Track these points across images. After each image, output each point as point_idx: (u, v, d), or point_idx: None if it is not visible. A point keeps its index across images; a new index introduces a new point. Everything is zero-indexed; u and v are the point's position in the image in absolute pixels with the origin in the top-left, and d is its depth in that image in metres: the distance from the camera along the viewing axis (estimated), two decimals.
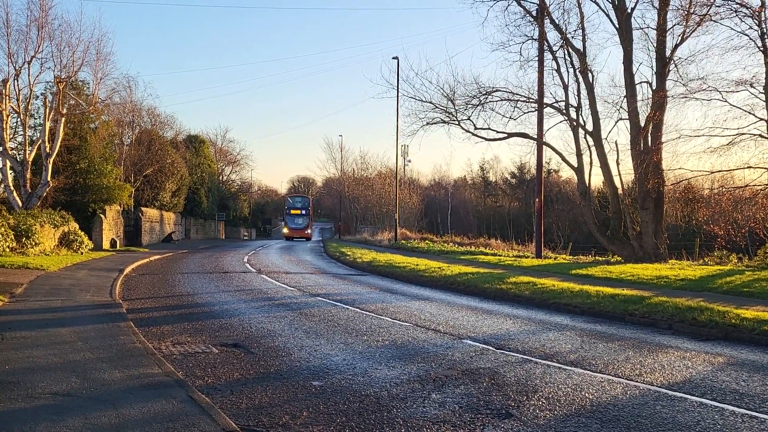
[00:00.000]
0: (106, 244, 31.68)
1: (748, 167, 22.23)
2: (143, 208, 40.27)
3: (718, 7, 21.80)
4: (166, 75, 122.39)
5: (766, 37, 21.15)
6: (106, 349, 7.94)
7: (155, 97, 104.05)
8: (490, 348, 8.82)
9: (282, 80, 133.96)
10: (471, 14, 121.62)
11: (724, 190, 24.48)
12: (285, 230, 67.42)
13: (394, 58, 36.53)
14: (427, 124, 27.48)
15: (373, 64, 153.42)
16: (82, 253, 25.52)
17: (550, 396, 6.31)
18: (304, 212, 67.50)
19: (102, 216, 32.06)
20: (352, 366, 7.49)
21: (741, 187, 23.49)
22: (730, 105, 22.17)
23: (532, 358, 8.16)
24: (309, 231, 67.29)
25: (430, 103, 27.77)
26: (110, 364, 7.06)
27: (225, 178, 78.34)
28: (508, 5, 27.57)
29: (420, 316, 12.01)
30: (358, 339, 9.34)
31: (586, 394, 6.40)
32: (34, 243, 22.41)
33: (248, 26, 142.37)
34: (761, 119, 21.57)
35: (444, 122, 28.30)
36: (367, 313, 12.20)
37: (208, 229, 65.64)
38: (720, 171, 23.23)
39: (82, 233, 27.08)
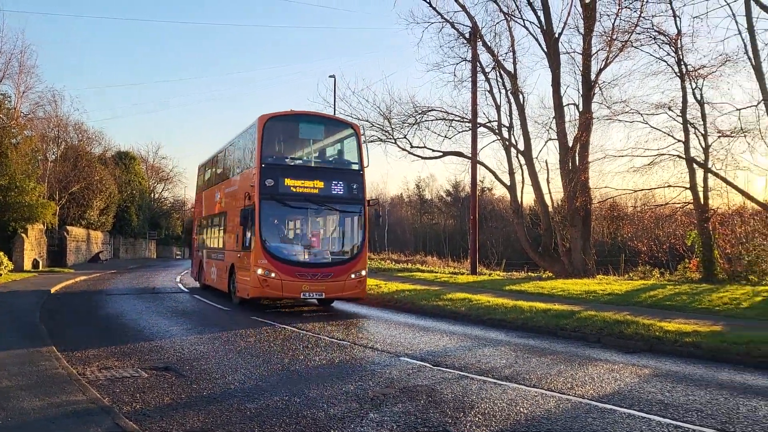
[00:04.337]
0: (28, 265, 30.12)
1: (668, 186, 23.37)
2: (69, 227, 38.56)
3: (639, 34, 23.00)
4: (96, 90, 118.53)
5: (682, 63, 22.40)
6: (26, 375, 7.52)
7: (83, 112, 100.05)
8: (427, 365, 8.86)
9: (216, 97, 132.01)
10: (407, 34, 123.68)
11: (646, 207, 25.62)
12: None
13: (330, 76, 36.37)
14: (364, 142, 27.63)
15: (309, 82, 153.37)
16: (0, 275, 24.18)
17: (486, 412, 6.39)
18: None
19: (23, 235, 30.47)
20: (289, 386, 7.37)
21: (661, 204, 24.65)
22: (651, 127, 23.35)
23: (469, 374, 8.24)
24: None
25: (367, 121, 27.98)
26: (30, 392, 6.68)
27: (157, 195, 76.07)
28: (442, 27, 28.29)
29: (357, 334, 11.96)
30: (295, 358, 9.20)
31: (521, 409, 6.51)
32: None
33: (184, 43, 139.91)
34: (679, 140, 22.77)
35: (381, 140, 28.60)
36: (304, 332, 12.06)
37: (139, 248, 63.42)
38: (642, 189, 24.34)
39: (1, 254, 25.65)
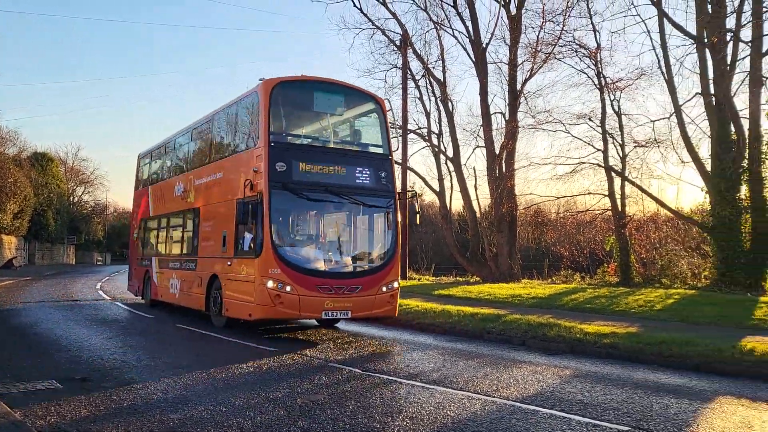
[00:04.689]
0: None
1: (588, 193, 24.40)
2: None
3: (561, 46, 23.95)
4: (8, 87, 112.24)
5: (601, 75, 23.45)
6: None
7: None
8: (356, 370, 8.86)
9: (138, 97, 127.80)
10: (339, 40, 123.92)
11: (568, 214, 26.66)
12: None
13: (261, 79, 36.10)
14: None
15: (239, 83, 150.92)
16: None
17: (414, 416, 6.45)
18: None
19: None
20: (214, 395, 7.20)
21: (582, 211, 25.71)
22: (573, 136, 24.37)
23: (397, 379, 8.30)
24: None
25: None
26: None
27: (76, 199, 72.97)
28: (374, 34, 28.50)
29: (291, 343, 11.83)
30: (221, 367, 9.01)
31: (448, 412, 6.61)
32: None
33: (101, 41, 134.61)
34: (599, 150, 23.83)
35: None
36: (231, 340, 11.84)
37: (57, 254, 60.53)
38: (565, 196, 25.36)
39: None
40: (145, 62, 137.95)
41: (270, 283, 11.49)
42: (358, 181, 12.66)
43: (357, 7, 27.39)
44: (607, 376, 8.74)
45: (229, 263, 12.87)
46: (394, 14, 27.43)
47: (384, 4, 27.03)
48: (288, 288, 11.51)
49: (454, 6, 25.82)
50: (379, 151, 13.40)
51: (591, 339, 10.98)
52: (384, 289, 12.39)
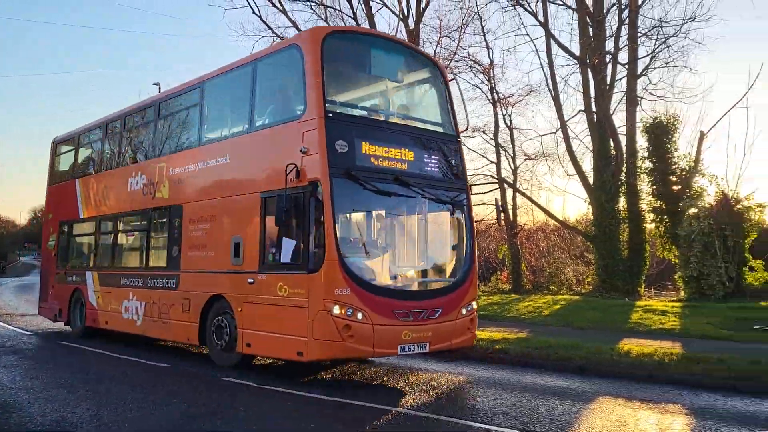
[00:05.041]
0: None
1: (482, 203, 25.29)
2: None
3: (457, 61, 24.77)
4: None
5: (494, 91, 24.48)
6: None
7: None
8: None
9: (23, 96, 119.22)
10: (237, 46, 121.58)
11: None
12: None
13: (155, 83, 34.69)
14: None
15: (131, 87, 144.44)
16: None
17: None
18: None
19: None
20: (98, 416, 6.79)
21: (478, 221, 26.61)
22: (468, 148, 25.25)
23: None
24: None
25: None
26: None
27: None
28: (273, 41, 28.05)
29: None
30: (102, 386, 8.53)
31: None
32: None
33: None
34: (492, 162, 24.84)
35: None
36: (112, 355, 11.25)
37: None
38: None
39: None
40: (37, 59, 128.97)
41: (336, 309, 8.13)
42: (427, 168, 9.62)
43: (256, 15, 26.82)
44: (498, 380, 9.08)
45: (250, 280, 9.36)
46: (294, 23, 27.13)
47: (284, 12, 26.73)
48: (359, 315, 8.21)
49: (354, 18, 26.05)
50: (447, 131, 10.25)
51: (484, 345, 11.38)
52: (464, 311, 9.34)
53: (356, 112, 9.95)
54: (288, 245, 8.83)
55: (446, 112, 10.35)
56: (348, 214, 9.41)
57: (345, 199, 8.73)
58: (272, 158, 9.29)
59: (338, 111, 9.10)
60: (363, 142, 8.93)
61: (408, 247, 9.97)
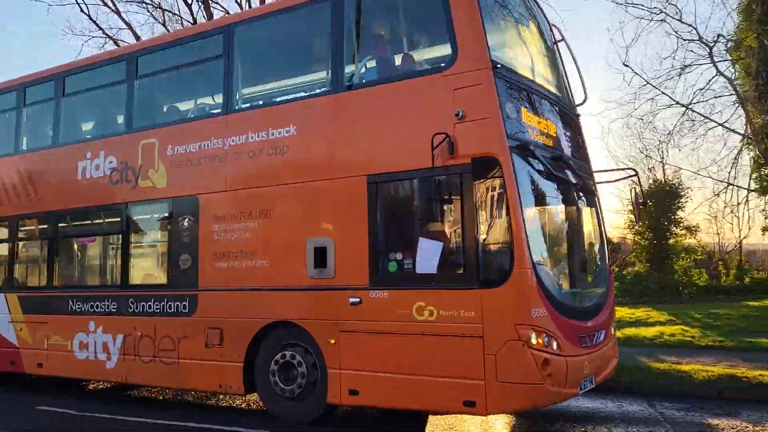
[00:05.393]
0: None
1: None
2: None
3: None
4: None
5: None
6: None
7: None
8: None
9: None
10: (64, 45, 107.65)
11: None
12: None
13: None
14: None
15: None
16: None
17: None
18: None
19: None
20: None
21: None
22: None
23: None
24: None
25: None
26: None
27: None
28: (105, 43, 25.68)
29: None
30: None
31: None
32: None
33: None
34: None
35: None
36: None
37: None
38: None
39: None
40: None
41: (534, 338, 5.66)
42: (568, 148, 7.20)
43: (85, 13, 24.83)
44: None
45: (354, 300, 6.51)
46: (129, 25, 24.67)
47: (118, 12, 24.55)
48: (555, 345, 5.79)
49: (194, 23, 23.64)
50: (568, 103, 7.80)
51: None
52: (612, 331, 7.22)
53: (514, 69, 6.88)
54: (429, 248, 6.16)
55: (564, 80, 7.89)
56: (532, 206, 6.44)
57: (526, 184, 6.16)
58: (389, 128, 6.60)
59: (503, 64, 6.38)
60: (525, 110, 6.44)
61: (575, 249, 7.27)
